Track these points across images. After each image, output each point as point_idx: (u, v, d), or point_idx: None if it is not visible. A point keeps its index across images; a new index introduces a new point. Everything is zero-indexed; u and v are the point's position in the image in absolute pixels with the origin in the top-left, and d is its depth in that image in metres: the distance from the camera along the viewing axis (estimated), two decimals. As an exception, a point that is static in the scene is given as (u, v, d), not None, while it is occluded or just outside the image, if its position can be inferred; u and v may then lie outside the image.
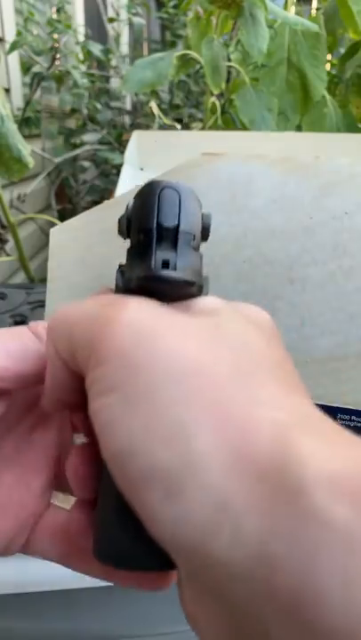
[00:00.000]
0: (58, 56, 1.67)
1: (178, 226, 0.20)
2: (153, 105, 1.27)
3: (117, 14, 2.35)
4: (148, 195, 0.20)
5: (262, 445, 0.14)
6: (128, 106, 2.24)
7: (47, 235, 0.44)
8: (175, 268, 0.19)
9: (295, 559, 0.12)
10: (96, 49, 1.91)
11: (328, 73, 1.23)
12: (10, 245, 1.25)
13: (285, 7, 1.21)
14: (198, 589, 0.14)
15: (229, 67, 1.11)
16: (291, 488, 0.13)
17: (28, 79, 1.64)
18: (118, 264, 0.21)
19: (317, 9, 1.66)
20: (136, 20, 2.20)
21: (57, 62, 1.66)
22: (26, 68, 1.65)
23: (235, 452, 0.14)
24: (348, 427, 0.37)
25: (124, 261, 0.21)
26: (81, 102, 1.85)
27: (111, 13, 2.33)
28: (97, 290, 0.22)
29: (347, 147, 0.82)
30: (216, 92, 1.06)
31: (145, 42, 2.79)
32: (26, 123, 1.59)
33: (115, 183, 0.91)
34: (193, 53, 1.16)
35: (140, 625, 0.43)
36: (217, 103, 1.14)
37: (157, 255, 0.19)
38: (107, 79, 2.16)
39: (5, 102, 0.79)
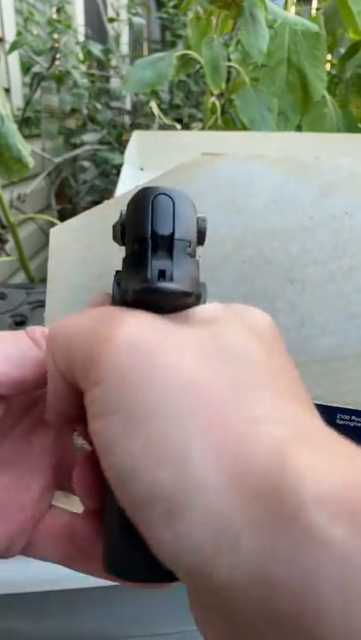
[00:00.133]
0: (58, 56, 1.67)
1: (173, 233, 0.19)
2: (153, 105, 1.27)
3: (117, 14, 2.35)
4: (141, 202, 0.20)
5: (259, 465, 0.14)
6: (128, 106, 2.24)
7: (47, 235, 0.44)
8: (172, 278, 0.19)
9: (294, 581, 0.12)
10: (96, 49, 1.91)
11: (328, 73, 1.23)
12: (10, 245, 1.25)
13: (285, 7, 1.21)
14: (202, 602, 0.15)
15: (229, 67, 1.11)
16: (287, 508, 0.13)
17: (28, 79, 1.64)
18: (115, 271, 0.21)
19: (317, 9, 1.66)
20: (136, 19, 2.20)
21: (57, 62, 1.66)
22: (26, 68, 1.65)
23: (232, 473, 0.14)
24: (348, 427, 0.37)
25: (121, 265, 0.21)
26: (81, 102, 1.85)
27: (111, 13, 2.33)
28: (95, 295, 0.22)
29: (347, 147, 0.82)
30: (216, 91, 1.06)
31: (145, 42, 2.79)
32: (26, 123, 1.59)
33: (115, 183, 0.91)
34: (193, 53, 1.16)
35: (140, 625, 0.43)
36: (217, 103, 1.14)
37: (153, 265, 0.19)
38: (107, 79, 2.16)
39: (5, 102, 0.79)
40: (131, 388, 0.15)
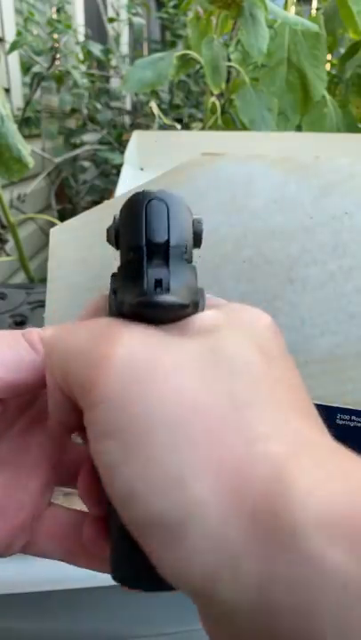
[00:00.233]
0: (58, 56, 1.67)
1: (168, 240, 0.19)
2: (153, 105, 1.27)
3: (117, 14, 2.35)
4: (135, 208, 0.19)
5: (257, 490, 0.14)
6: (128, 106, 2.24)
7: (47, 235, 0.44)
8: (168, 288, 0.18)
9: (293, 606, 0.12)
10: (96, 49, 1.91)
11: (328, 73, 1.23)
12: (10, 245, 1.25)
13: (285, 7, 1.21)
14: (207, 615, 0.15)
15: (229, 67, 1.11)
16: (286, 535, 0.13)
17: (28, 79, 1.64)
18: (112, 274, 0.20)
19: (317, 9, 1.66)
20: (136, 19, 2.20)
21: (57, 62, 1.66)
22: (26, 68, 1.65)
23: (231, 499, 0.14)
24: (348, 427, 0.37)
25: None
26: (81, 102, 1.85)
27: (111, 13, 2.33)
28: (92, 298, 0.21)
29: (347, 147, 0.82)
30: (216, 91, 1.06)
31: (145, 42, 2.79)
32: (26, 123, 1.59)
33: (115, 183, 0.91)
34: (193, 53, 1.16)
35: (140, 625, 0.43)
36: (217, 103, 1.14)
37: (149, 275, 0.18)
38: (107, 79, 2.16)
39: (5, 102, 0.79)
40: (128, 412, 0.15)
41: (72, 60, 1.94)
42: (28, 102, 1.53)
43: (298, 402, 0.17)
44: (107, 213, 0.35)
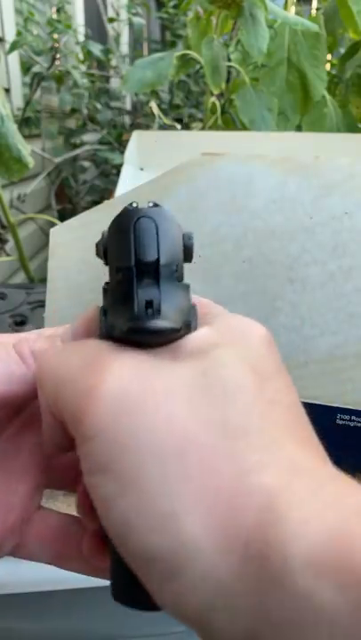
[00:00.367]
0: (58, 56, 1.67)
1: (158, 259, 0.18)
2: (153, 105, 1.27)
3: (117, 14, 2.35)
4: (124, 227, 0.19)
5: (249, 522, 0.14)
6: (128, 106, 2.24)
7: (47, 235, 0.44)
8: (159, 310, 0.18)
9: None
10: (96, 49, 1.91)
11: (328, 73, 1.23)
12: (10, 245, 1.25)
13: (285, 7, 1.21)
14: None
15: (229, 67, 1.11)
16: (276, 569, 0.13)
17: (28, 79, 1.64)
18: (103, 286, 0.20)
19: (317, 9, 1.66)
20: (136, 19, 2.20)
21: (57, 62, 1.66)
22: (26, 68, 1.65)
23: (224, 533, 0.14)
24: (348, 427, 0.37)
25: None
26: (81, 102, 1.85)
27: (111, 13, 2.33)
28: (83, 313, 0.21)
29: (347, 147, 0.82)
30: (216, 92, 1.06)
31: (145, 42, 2.79)
32: (26, 123, 1.59)
33: (115, 183, 0.90)
34: (193, 53, 1.16)
35: (140, 625, 0.43)
36: (217, 103, 1.14)
37: (140, 296, 0.18)
38: (107, 79, 2.16)
39: (5, 102, 0.79)
40: (120, 445, 0.15)
41: (72, 60, 1.94)
42: (28, 102, 1.53)
43: (292, 423, 0.17)
44: (107, 213, 0.35)
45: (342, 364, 0.36)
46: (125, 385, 0.16)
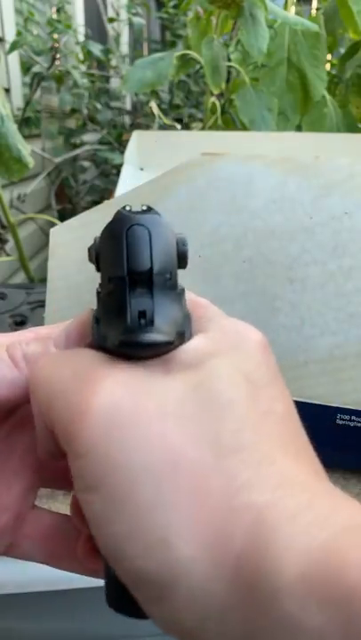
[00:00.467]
0: (58, 56, 1.67)
1: (151, 268, 0.18)
2: (153, 105, 1.27)
3: (117, 14, 2.35)
4: (116, 235, 0.18)
5: (239, 545, 0.14)
6: (128, 106, 2.24)
7: (47, 235, 0.44)
8: (152, 320, 0.17)
9: None
10: (96, 49, 1.91)
11: (328, 73, 1.23)
12: (10, 245, 1.25)
13: (285, 7, 1.21)
14: None
15: (229, 67, 1.11)
16: (265, 592, 0.13)
17: (28, 79, 1.64)
18: (97, 289, 0.20)
19: (317, 9, 1.66)
20: (136, 19, 2.20)
21: (57, 62, 1.66)
22: (26, 68, 1.65)
23: (214, 556, 0.14)
24: (348, 427, 0.37)
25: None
26: (81, 102, 1.85)
27: (111, 13, 2.33)
28: (76, 317, 0.21)
29: (347, 147, 0.82)
30: (216, 91, 1.06)
31: (145, 42, 2.79)
32: (26, 123, 1.59)
33: (115, 183, 0.90)
34: (193, 53, 1.16)
35: (140, 625, 0.43)
36: (217, 103, 1.14)
37: (132, 306, 0.18)
38: (107, 79, 2.16)
39: (5, 102, 0.79)
40: (110, 467, 0.15)
41: (72, 60, 1.94)
42: (28, 102, 1.53)
43: (286, 434, 0.17)
44: (107, 213, 0.35)
45: (342, 364, 0.36)
46: (116, 402, 0.16)
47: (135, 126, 1.91)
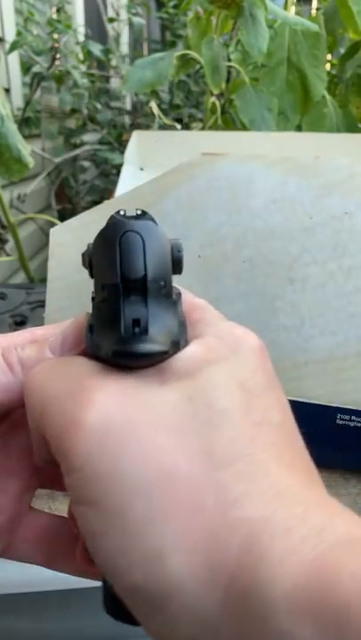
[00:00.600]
0: (58, 56, 1.67)
1: (145, 276, 0.18)
2: (153, 105, 1.27)
3: (117, 14, 2.35)
4: (109, 241, 0.18)
5: (231, 560, 0.14)
6: (128, 106, 2.24)
7: (47, 235, 0.44)
8: (147, 329, 0.17)
9: None
10: (96, 49, 1.91)
11: (328, 73, 1.23)
12: (10, 245, 1.25)
13: (285, 7, 1.21)
14: None
15: (229, 67, 1.11)
16: (257, 610, 0.13)
17: (28, 79, 1.64)
18: (91, 295, 0.19)
19: (317, 9, 1.66)
20: (136, 19, 2.20)
21: (57, 62, 1.66)
22: (26, 68, 1.65)
23: (207, 571, 0.14)
24: (348, 427, 0.37)
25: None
26: (81, 102, 1.85)
27: (111, 13, 2.33)
28: (71, 322, 0.21)
29: (347, 147, 0.82)
30: (216, 91, 1.06)
31: (145, 42, 2.79)
32: (26, 123, 1.59)
33: (115, 183, 0.90)
34: (193, 53, 1.16)
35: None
36: (217, 103, 1.14)
37: (126, 315, 0.17)
38: (107, 79, 2.16)
39: (5, 102, 0.79)
40: (103, 482, 0.15)
41: (72, 60, 1.94)
42: (28, 102, 1.53)
43: (282, 444, 0.17)
44: (107, 213, 0.35)
45: (342, 364, 0.36)
46: (110, 415, 0.16)
47: (135, 126, 1.91)
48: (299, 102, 1.09)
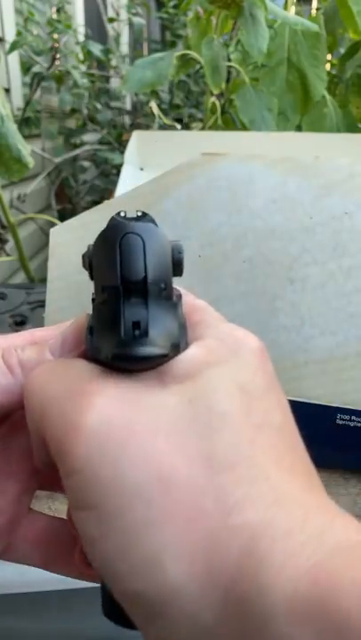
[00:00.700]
0: (58, 56, 1.67)
1: (146, 278, 0.18)
2: (153, 105, 1.27)
3: (117, 14, 2.35)
4: (109, 243, 0.18)
5: (231, 566, 0.14)
6: (128, 106, 2.24)
7: (47, 235, 0.44)
8: (147, 331, 0.17)
9: None
10: (96, 49, 1.91)
11: (328, 73, 1.23)
12: (10, 245, 1.25)
13: (285, 7, 1.21)
14: None
15: (229, 67, 1.11)
16: (257, 616, 0.13)
17: (28, 79, 1.64)
18: (92, 296, 0.19)
19: (317, 9, 1.66)
20: (136, 19, 2.20)
21: (57, 62, 1.66)
22: (26, 68, 1.65)
23: (206, 578, 0.14)
24: (348, 427, 0.37)
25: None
26: (81, 102, 1.85)
27: (111, 13, 2.33)
28: (71, 323, 0.21)
29: (347, 147, 0.82)
30: (216, 91, 1.06)
31: (145, 42, 2.79)
32: (26, 123, 1.59)
33: (115, 183, 0.90)
34: (193, 53, 1.16)
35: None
36: (217, 103, 1.14)
37: (126, 318, 0.17)
38: (107, 79, 2.16)
39: (5, 102, 0.79)
40: (102, 486, 0.15)
41: (72, 60, 1.94)
42: (28, 102, 1.53)
43: (282, 447, 0.17)
44: (107, 213, 0.35)
45: (342, 364, 0.36)
46: (109, 419, 0.16)
47: (135, 126, 1.91)
48: (299, 102, 1.09)
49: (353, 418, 0.37)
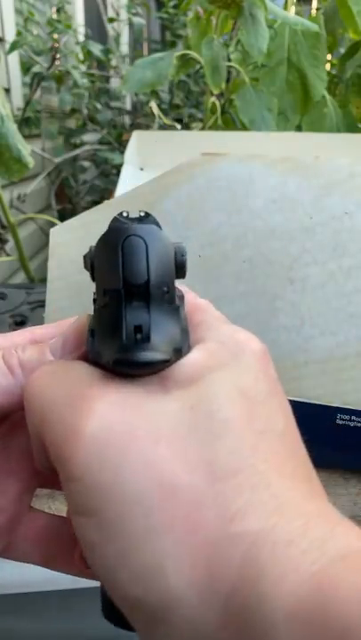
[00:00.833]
0: (58, 56, 1.67)
1: (148, 281, 0.17)
2: (153, 105, 1.27)
3: (117, 14, 2.35)
4: (111, 245, 0.18)
5: (232, 575, 0.14)
6: (128, 106, 2.24)
7: (47, 235, 0.44)
8: (148, 336, 0.17)
9: None
10: (96, 49, 1.91)
11: (328, 73, 1.23)
12: (10, 245, 1.25)
13: (285, 7, 1.21)
14: None
15: (229, 67, 1.11)
16: (257, 625, 0.13)
17: (28, 79, 1.64)
18: (93, 298, 0.19)
19: (317, 9, 1.66)
20: (136, 19, 2.20)
21: (57, 62, 1.66)
22: (26, 68, 1.65)
23: (207, 587, 0.14)
24: (348, 427, 0.37)
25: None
26: (81, 102, 1.85)
27: (111, 13, 2.33)
28: (72, 322, 0.21)
29: (347, 147, 0.82)
30: (216, 91, 1.06)
31: (145, 42, 2.79)
32: (26, 123, 1.59)
33: (115, 183, 0.90)
34: (193, 53, 1.16)
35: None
36: (217, 103, 1.14)
37: (128, 322, 0.17)
38: (107, 79, 2.16)
39: (5, 102, 0.79)
40: (103, 493, 0.15)
41: (72, 60, 1.94)
42: (28, 102, 1.53)
43: (284, 453, 0.17)
44: (107, 213, 0.35)
45: (342, 364, 0.36)
46: (110, 425, 0.16)
47: (135, 126, 1.91)
48: (299, 102, 1.09)
49: (353, 418, 0.37)
